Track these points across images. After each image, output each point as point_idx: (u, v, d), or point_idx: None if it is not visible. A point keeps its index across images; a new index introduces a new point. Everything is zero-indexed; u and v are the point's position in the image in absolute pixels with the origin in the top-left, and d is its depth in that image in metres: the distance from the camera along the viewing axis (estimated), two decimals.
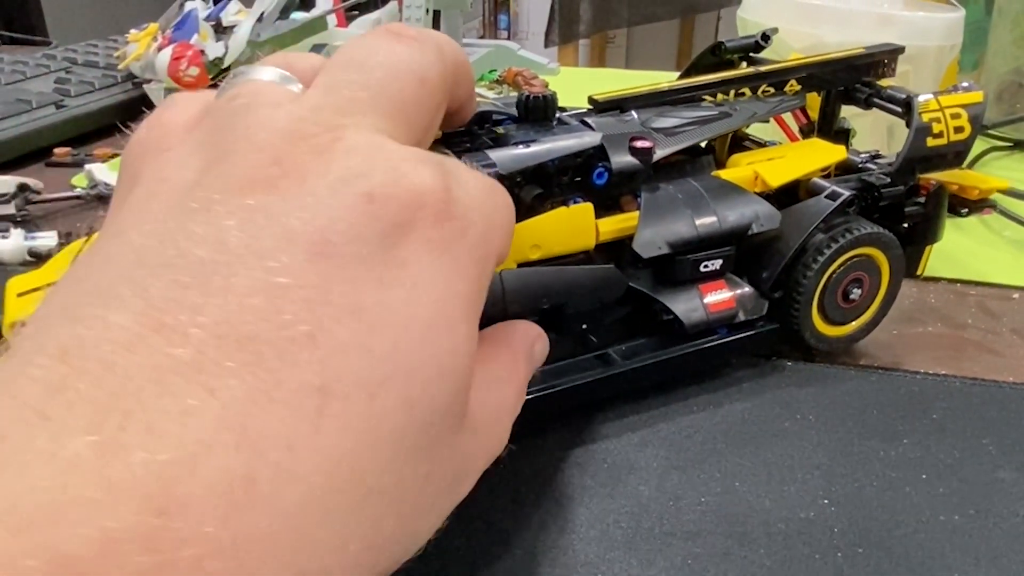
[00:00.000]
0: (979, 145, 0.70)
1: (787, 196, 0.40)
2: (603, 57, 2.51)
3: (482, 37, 2.40)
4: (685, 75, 0.48)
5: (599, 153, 0.36)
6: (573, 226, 0.35)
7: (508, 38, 2.49)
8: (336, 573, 0.19)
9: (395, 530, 0.21)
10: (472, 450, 0.24)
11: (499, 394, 0.26)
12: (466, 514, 0.32)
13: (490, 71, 0.95)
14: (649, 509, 0.33)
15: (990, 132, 0.73)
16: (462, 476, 0.24)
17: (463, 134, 0.35)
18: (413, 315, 0.20)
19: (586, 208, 0.35)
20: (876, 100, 0.44)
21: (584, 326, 0.37)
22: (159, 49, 0.76)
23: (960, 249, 0.55)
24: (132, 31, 0.81)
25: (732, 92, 0.42)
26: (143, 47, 0.78)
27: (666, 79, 0.42)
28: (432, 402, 0.20)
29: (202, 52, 0.75)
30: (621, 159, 0.36)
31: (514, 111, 0.37)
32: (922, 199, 0.42)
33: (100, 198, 0.61)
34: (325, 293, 0.19)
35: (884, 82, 0.45)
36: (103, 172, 0.62)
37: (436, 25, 0.90)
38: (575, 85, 0.62)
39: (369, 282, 0.19)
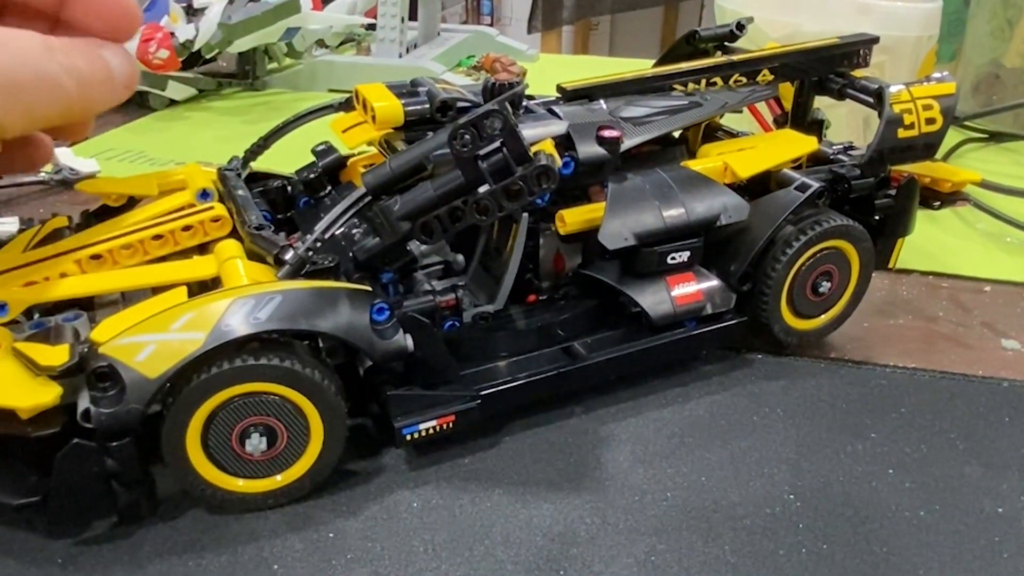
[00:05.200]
0: (955, 137, 0.70)
1: (758, 187, 0.40)
2: (586, 44, 2.50)
3: (464, 23, 2.38)
4: (660, 64, 0.47)
5: (565, 142, 0.35)
6: None
7: (491, 24, 2.47)
8: None
9: None
10: None
11: (10, 32, 0.27)
12: (429, 507, 0.32)
13: (468, 57, 0.94)
14: (614, 504, 0.33)
15: (966, 124, 0.73)
16: None
17: (426, 122, 0.35)
18: None
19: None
20: (849, 90, 0.43)
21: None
22: None
23: (933, 242, 0.55)
24: None
25: (703, 81, 0.41)
26: None
27: (647, 68, 0.42)
28: None
29: (172, 34, 0.73)
30: (588, 149, 0.35)
31: (480, 99, 0.36)
32: (893, 191, 0.41)
33: (64, 183, 0.60)
34: None
35: (858, 72, 0.45)
36: (68, 157, 0.61)
37: (413, 9, 0.89)
38: (554, 72, 0.61)
39: None
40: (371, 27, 0.88)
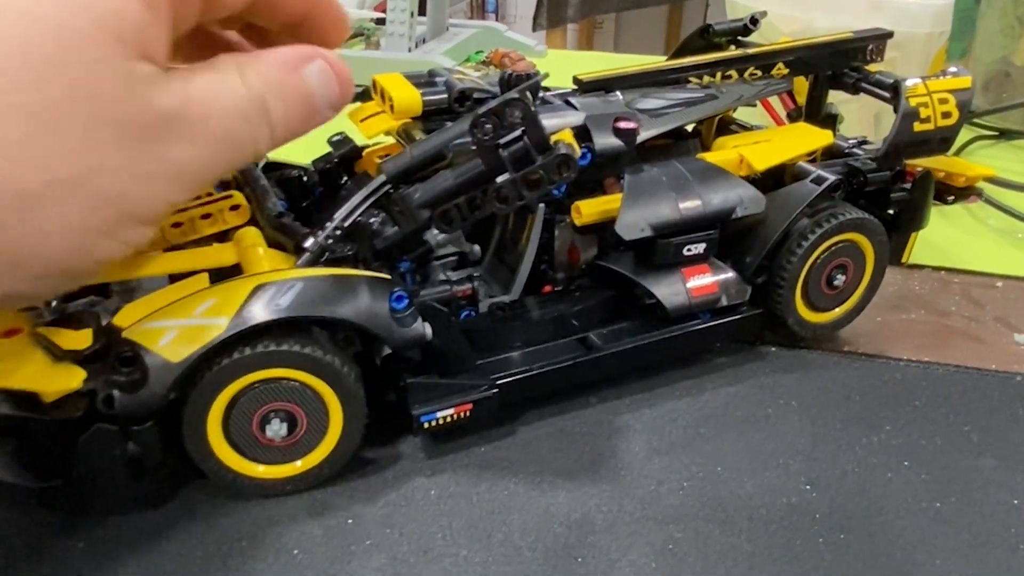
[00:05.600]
0: (965, 134, 0.70)
1: (772, 180, 0.40)
2: (591, 42, 2.50)
3: (470, 19, 2.38)
4: (673, 57, 0.47)
5: (582, 133, 0.35)
6: None
7: (496, 21, 2.47)
8: None
9: (19, 130, 0.21)
10: (163, 113, 0.24)
11: (214, 87, 0.25)
12: (447, 495, 0.32)
13: (476, 52, 0.94)
14: (631, 493, 0.33)
15: (976, 121, 0.73)
16: (152, 131, 0.24)
17: (444, 112, 0.35)
18: None
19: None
20: (864, 85, 0.43)
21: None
22: None
23: (945, 237, 0.55)
24: None
25: (719, 74, 0.41)
26: None
27: (654, 63, 0.42)
28: (60, 21, 0.22)
29: None
30: (605, 140, 0.35)
31: (497, 90, 0.36)
32: (908, 185, 0.41)
33: None
34: None
35: (871, 67, 0.45)
36: None
37: (423, 5, 0.89)
38: (562, 67, 0.61)
39: None
40: (380, 21, 0.88)
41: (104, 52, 0.23)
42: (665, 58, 0.48)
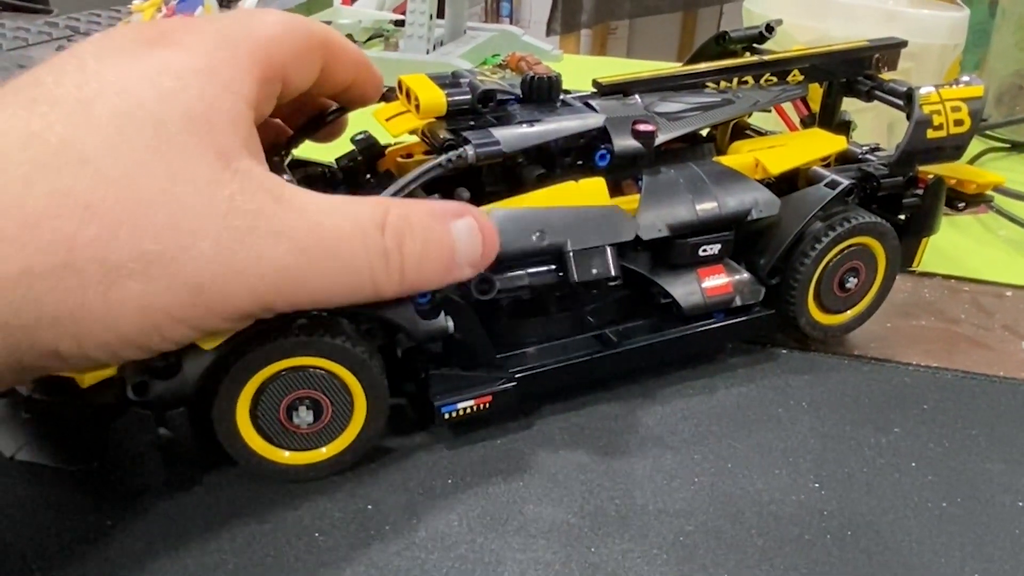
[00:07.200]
0: (977, 146, 0.71)
1: (787, 184, 0.41)
2: (604, 48, 2.51)
3: (484, 23, 2.39)
4: (689, 63, 0.48)
5: (602, 135, 0.36)
6: (584, 201, 0.35)
7: (510, 25, 2.48)
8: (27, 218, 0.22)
9: (115, 199, 0.23)
10: (260, 206, 0.25)
11: (342, 207, 0.27)
12: (464, 484, 0.33)
13: (493, 55, 0.95)
14: (643, 487, 0.34)
15: (989, 133, 0.73)
16: (248, 226, 0.24)
17: (467, 112, 0.36)
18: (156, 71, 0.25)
19: (597, 183, 0.36)
20: (878, 92, 0.44)
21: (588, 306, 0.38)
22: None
23: (955, 246, 0.55)
24: (136, 1, 0.81)
25: (735, 80, 0.42)
26: (147, 18, 0.78)
27: (671, 68, 0.42)
28: (162, 115, 0.24)
29: None
30: (624, 142, 0.36)
31: (519, 92, 0.37)
32: (920, 191, 0.42)
33: None
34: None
35: (885, 76, 0.45)
36: None
37: (441, 8, 0.90)
38: (578, 72, 0.62)
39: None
40: (400, 23, 0.89)
41: (201, 147, 0.24)
42: (679, 64, 0.49)
